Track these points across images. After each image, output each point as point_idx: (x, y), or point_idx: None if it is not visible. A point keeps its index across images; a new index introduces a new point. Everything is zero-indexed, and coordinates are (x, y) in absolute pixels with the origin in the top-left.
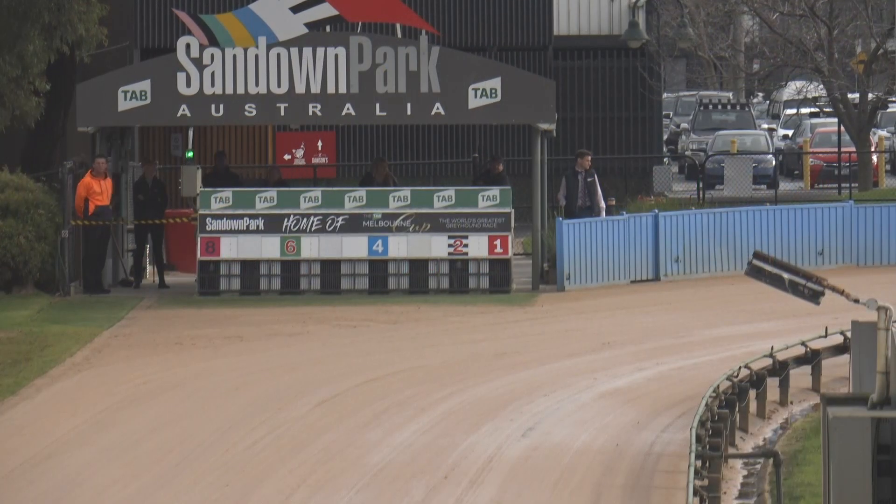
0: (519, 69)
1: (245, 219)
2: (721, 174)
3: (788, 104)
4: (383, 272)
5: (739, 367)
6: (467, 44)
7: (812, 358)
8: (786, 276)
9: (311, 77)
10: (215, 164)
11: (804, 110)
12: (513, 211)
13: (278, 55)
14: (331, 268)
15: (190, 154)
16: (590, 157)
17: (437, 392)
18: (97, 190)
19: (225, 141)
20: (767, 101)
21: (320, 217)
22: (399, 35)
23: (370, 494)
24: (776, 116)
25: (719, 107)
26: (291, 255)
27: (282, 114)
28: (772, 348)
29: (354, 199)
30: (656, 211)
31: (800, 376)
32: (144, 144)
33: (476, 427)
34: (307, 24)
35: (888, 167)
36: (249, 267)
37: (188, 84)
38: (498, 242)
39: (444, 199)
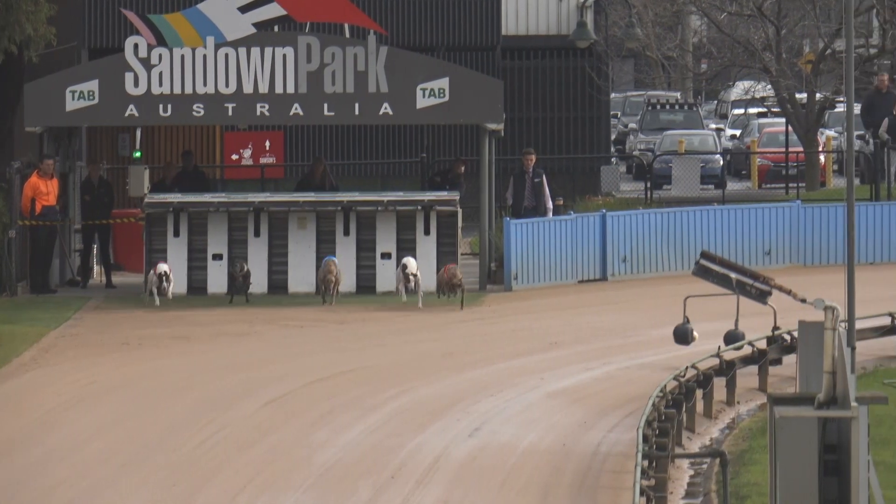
0: (467, 69)
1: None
2: (669, 174)
3: (736, 104)
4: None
5: (686, 367)
6: (415, 44)
7: (759, 358)
8: (733, 275)
9: (259, 77)
10: (183, 164)
11: (752, 110)
12: (460, 211)
13: (226, 55)
14: (278, 269)
15: (137, 154)
16: (533, 157)
17: (385, 392)
18: (44, 190)
19: (173, 141)
20: (715, 101)
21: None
22: (347, 35)
23: (317, 494)
24: (724, 116)
25: (667, 107)
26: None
27: (230, 114)
28: (719, 348)
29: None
30: (604, 211)
31: (747, 376)
32: (92, 144)
33: (423, 427)
34: (255, 24)
35: (835, 167)
36: (197, 268)
37: (136, 84)
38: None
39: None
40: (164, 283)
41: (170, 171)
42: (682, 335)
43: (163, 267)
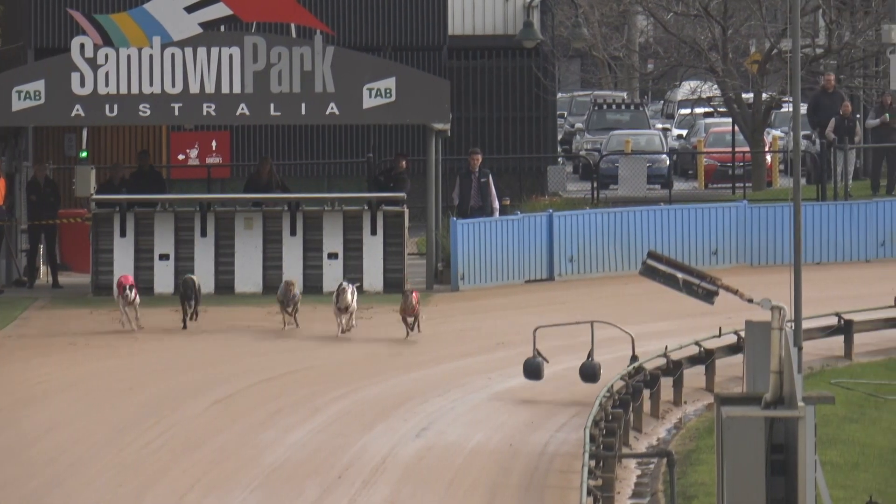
0: (413, 69)
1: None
2: (615, 174)
3: (682, 104)
4: (277, 273)
5: (633, 367)
6: (362, 43)
7: (706, 357)
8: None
9: (205, 77)
10: (139, 163)
11: (698, 110)
12: (407, 211)
13: (173, 55)
14: (224, 270)
15: (84, 154)
16: (479, 157)
17: (332, 392)
18: None
19: (119, 141)
20: (662, 101)
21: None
22: (294, 35)
23: (264, 494)
24: (670, 116)
25: (613, 106)
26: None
27: (176, 114)
28: (665, 348)
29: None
30: (550, 211)
31: (694, 376)
32: (38, 144)
33: (370, 427)
34: (202, 24)
35: (782, 167)
36: (144, 268)
37: (82, 84)
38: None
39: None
40: (129, 293)
41: (117, 172)
42: (534, 370)
43: (129, 280)
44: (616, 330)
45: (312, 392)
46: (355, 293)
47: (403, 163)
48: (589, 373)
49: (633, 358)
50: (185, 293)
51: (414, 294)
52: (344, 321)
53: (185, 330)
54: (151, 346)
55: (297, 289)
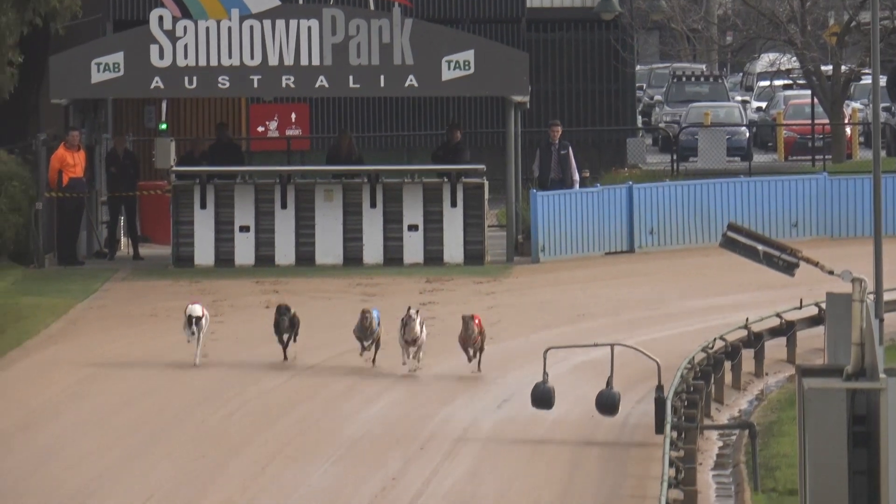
0: (492, 41)
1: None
2: (695, 146)
3: (762, 76)
4: (358, 245)
5: (715, 339)
6: (440, 16)
7: (787, 329)
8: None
9: (284, 49)
10: (217, 136)
11: (777, 82)
12: (487, 183)
13: (251, 27)
14: (305, 241)
15: (163, 126)
16: (559, 129)
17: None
18: (71, 162)
19: (199, 113)
20: (741, 73)
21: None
22: (372, 7)
23: (346, 465)
24: (749, 88)
25: (693, 79)
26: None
27: (255, 86)
28: (747, 320)
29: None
30: (630, 183)
31: (775, 348)
32: (118, 116)
33: (451, 399)
34: None
35: (861, 139)
36: (224, 240)
37: (161, 56)
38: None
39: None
40: (195, 328)
41: (199, 146)
42: (543, 398)
43: (195, 310)
44: (702, 300)
45: (393, 363)
46: (423, 324)
47: (458, 133)
48: (607, 403)
49: (659, 388)
50: (280, 323)
51: (476, 321)
52: (411, 354)
53: (287, 361)
54: (231, 317)
55: (375, 319)
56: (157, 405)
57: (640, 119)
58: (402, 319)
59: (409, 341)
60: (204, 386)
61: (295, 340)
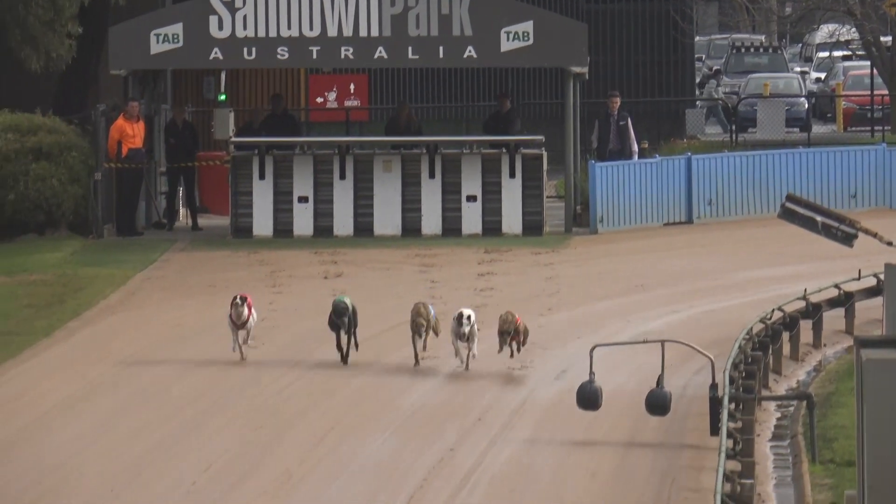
0: (551, 12)
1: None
2: (754, 117)
3: (821, 47)
4: (416, 215)
5: (773, 310)
6: None
7: (845, 300)
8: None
9: (343, 20)
10: (272, 107)
11: (837, 53)
12: (545, 154)
13: None
14: (363, 212)
15: (222, 97)
16: (618, 100)
17: None
18: (130, 133)
19: (258, 84)
20: (800, 44)
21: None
22: None
23: (403, 436)
24: (809, 59)
25: (752, 50)
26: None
27: (314, 57)
28: (805, 291)
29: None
30: (689, 154)
31: (833, 319)
32: (177, 87)
33: (507, 369)
34: None
35: None
36: (283, 211)
37: (220, 27)
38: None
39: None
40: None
41: (257, 116)
42: (590, 399)
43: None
44: (760, 270)
45: (448, 336)
46: (475, 324)
47: (507, 103)
48: (658, 404)
49: (713, 386)
50: (338, 319)
51: (517, 319)
52: (464, 355)
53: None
54: (290, 289)
55: (431, 313)
56: (213, 377)
57: (720, 91)
58: (455, 317)
59: (461, 336)
60: (261, 357)
61: (356, 341)
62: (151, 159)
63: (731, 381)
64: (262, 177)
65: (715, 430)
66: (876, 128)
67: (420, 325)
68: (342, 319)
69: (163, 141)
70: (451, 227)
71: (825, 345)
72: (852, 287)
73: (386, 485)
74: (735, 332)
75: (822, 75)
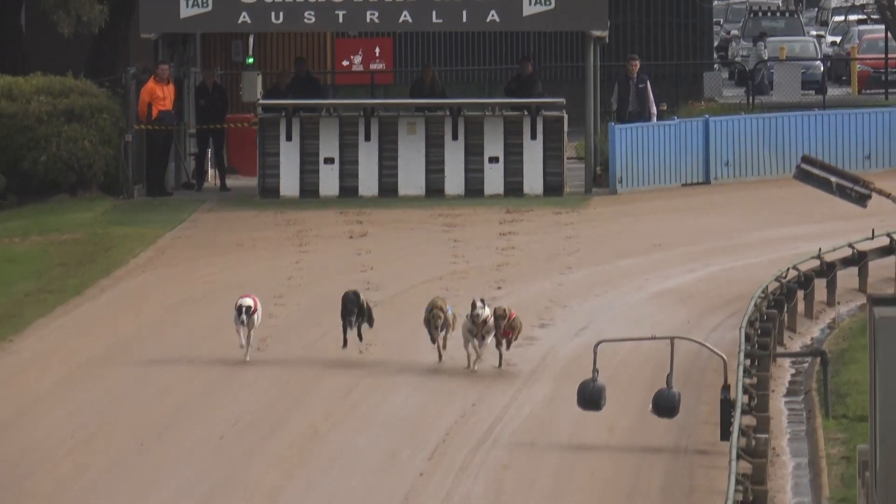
0: None
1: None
2: (771, 80)
3: (836, 11)
4: (440, 176)
5: (788, 269)
6: None
7: (859, 259)
8: (833, 179)
9: None
10: (296, 70)
11: (852, 17)
12: (566, 116)
13: None
14: (388, 173)
15: (250, 60)
16: (637, 63)
17: (492, 292)
18: (160, 95)
19: (285, 48)
20: (816, 9)
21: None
22: None
23: (427, 392)
24: (824, 23)
25: (769, 14)
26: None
27: (340, 21)
28: (819, 250)
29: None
30: (707, 116)
31: (847, 277)
32: (206, 50)
33: (528, 326)
34: None
35: None
36: (309, 172)
37: None
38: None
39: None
40: (245, 318)
41: (284, 79)
42: (592, 398)
43: (245, 301)
44: (775, 230)
45: (475, 290)
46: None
47: (529, 66)
48: (666, 405)
49: (725, 388)
50: (347, 310)
51: (511, 315)
52: (477, 346)
53: (346, 348)
54: (315, 247)
55: (448, 310)
56: None
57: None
58: (472, 307)
59: (477, 328)
60: (287, 315)
61: (371, 325)
62: (181, 121)
63: (747, 338)
64: (288, 138)
65: (726, 434)
66: (890, 90)
67: (438, 317)
68: (349, 319)
69: (193, 103)
70: (474, 188)
71: (839, 303)
72: (866, 246)
73: (410, 439)
74: (751, 290)
75: (838, 39)
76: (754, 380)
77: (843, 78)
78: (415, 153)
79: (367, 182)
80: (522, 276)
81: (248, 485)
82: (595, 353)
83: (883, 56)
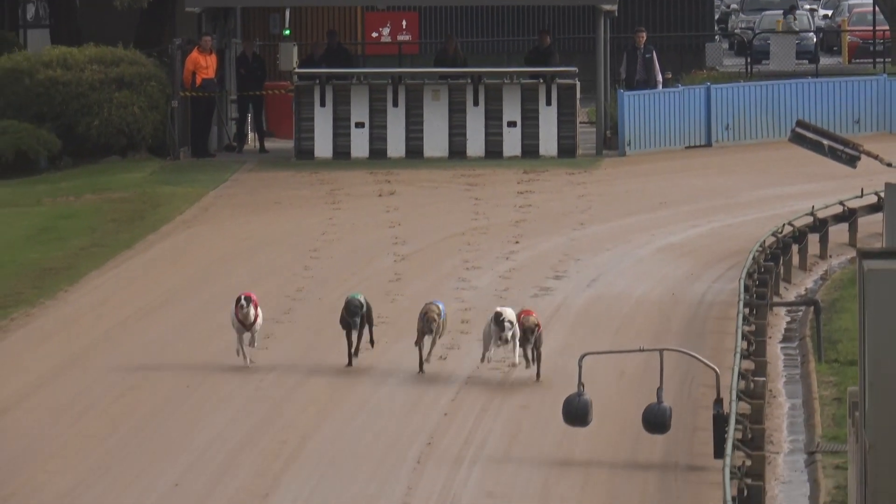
0: None
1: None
2: (767, 50)
3: None
4: (462, 139)
5: (783, 225)
6: None
7: (849, 216)
8: (825, 142)
9: None
10: (328, 41)
11: None
12: (578, 84)
13: None
14: (414, 136)
15: (287, 32)
16: (644, 34)
17: (510, 247)
18: (203, 64)
19: (318, 20)
20: None
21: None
22: None
23: (448, 341)
24: None
25: None
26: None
27: None
28: (813, 207)
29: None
30: (708, 84)
31: (838, 232)
32: (246, 23)
33: (543, 278)
34: None
35: None
36: (341, 135)
37: None
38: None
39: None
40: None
41: (317, 49)
42: (578, 414)
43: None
44: (772, 189)
45: (493, 246)
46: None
47: (548, 38)
48: (657, 421)
49: (718, 402)
50: (350, 317)
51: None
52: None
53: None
54: (347, 206)
55: (442, 314)
56: (281, 285)
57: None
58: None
59: (504, 337)
60: (323, 267)
61: (371, 338)
62: (223, 88)
63: (746, 288)
64: (322, 104)
65: (720, 452)
66: (878, 60)
67: (432, 320)
68: (353, 319)
69: (234, 72)
70: (493, 150)
71: (830, 256)
72: (855, 204)
73: (433, 384)
74: (749, 245)
75: (830, 12)
76: (753, 327)
77: (835, 48)
78: (439, 118)
79: (395, 144)
80: (538, 231)
81: (285, 423)
82: (580, 367)
83: (871, 28)
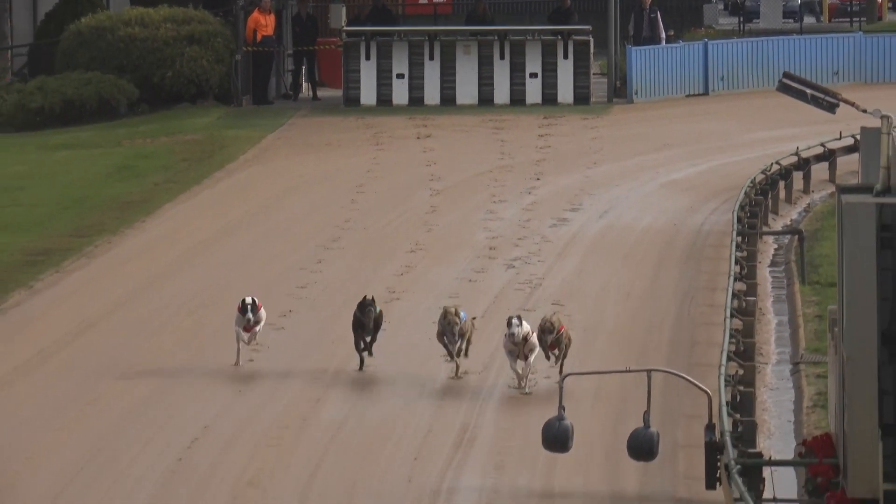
0: None
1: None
2: (758, 10)
3: None
4: (489, 89)
5: (772, 164)
6: None
7: (829, 156)
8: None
9: None
10: (373, 3)
11: None
12: (591, 40)
13: None
14: (447, 86)
15: None
16: None
17: (531, 182)
18: (263, 23)
19: None
20: None
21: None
22: None
23: (480, 263)
24: None
25: None
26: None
27: None
28: (797, 148)
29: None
30: (706, 40)
31: (819, 170)
32: None
33: (561, 210)
34: None
35: (890, 4)
36: (384, 85)
37: None
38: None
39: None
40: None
41: (363, 10)
42: (558, 440)
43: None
44: (762, 133)
45: (518, 182)
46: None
47: (567, 1)
48: (642, 448)
49: (710, 427)
50: (362, 321)
51: (561, 327)
52: (520, 368)
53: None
54: (389, 147)
55: (462, 318)
56: (330, 217)
57: None
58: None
59: (517, 341)
60: (367, 200)
61: (372, 344)
62: (280, 44)
63: (739, 219)
64: (367, 58)
65: (711, 483)
66: (854, 19)
67: (454, 323)
68: (367, 327)
69: (290, 29)
70: (517, 98)
71: (813, 191)
72: (835, 145)
73: (464, 302)
74: (742, 181)
75: None
76: (745, 253)
77: (817, 9)
78: (469, 70)
79: (431, 93)
80: (556, 169)
81: (338, 336)
82: (561, 389)
83: None
